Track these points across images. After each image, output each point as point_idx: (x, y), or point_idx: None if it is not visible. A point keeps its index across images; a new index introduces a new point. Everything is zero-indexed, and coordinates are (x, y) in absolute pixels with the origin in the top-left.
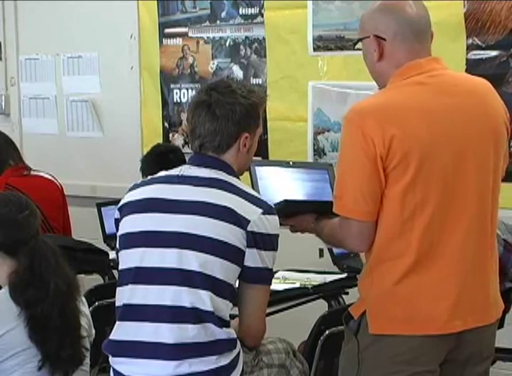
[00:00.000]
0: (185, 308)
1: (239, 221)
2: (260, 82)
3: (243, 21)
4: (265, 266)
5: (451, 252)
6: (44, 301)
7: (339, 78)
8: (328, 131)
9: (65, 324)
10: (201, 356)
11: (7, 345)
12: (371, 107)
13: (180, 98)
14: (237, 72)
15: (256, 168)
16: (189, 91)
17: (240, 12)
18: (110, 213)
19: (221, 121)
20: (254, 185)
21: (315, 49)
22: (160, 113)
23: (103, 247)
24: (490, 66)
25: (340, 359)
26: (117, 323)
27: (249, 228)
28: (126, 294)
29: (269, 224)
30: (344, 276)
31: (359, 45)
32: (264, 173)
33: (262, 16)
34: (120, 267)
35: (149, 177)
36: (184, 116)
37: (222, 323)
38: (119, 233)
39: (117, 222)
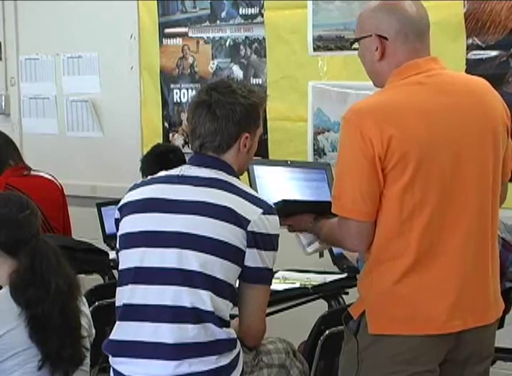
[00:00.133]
0: (186, 308)
1: (240, 221)
2: (260, 82)
3: (243, 21)
4: (265, 266)
5: (451, 252)
6: (44, 300)
7: (339, 78)
8: (328, 131)
9: (65, 324)
10: (201, 356)
11: (7, 344)
12: (369, 107)
13: (180, 98)
14: (237, 72)
15: (254, 166)
16: (189, 91)
17: (240, 12)
18: (110, 213)
19: (221, 121)
20: (251, 184)
21: (315, 49)
22: (160, 113)
23: (103, 247)
24: (490, 66)
25: (339, 359)
26: (117, 323)
27: (249, 228)
28: (126, 294)
29: (269, 224)
30: (344, 276)
31: (356, 45)
32: (262, 172)
33: (262, 16)
34: (120, 267)
35: (149, 177)
36: (184, 116)
37: (222, 323)
38: (119, 233)
39: (117, 222)
